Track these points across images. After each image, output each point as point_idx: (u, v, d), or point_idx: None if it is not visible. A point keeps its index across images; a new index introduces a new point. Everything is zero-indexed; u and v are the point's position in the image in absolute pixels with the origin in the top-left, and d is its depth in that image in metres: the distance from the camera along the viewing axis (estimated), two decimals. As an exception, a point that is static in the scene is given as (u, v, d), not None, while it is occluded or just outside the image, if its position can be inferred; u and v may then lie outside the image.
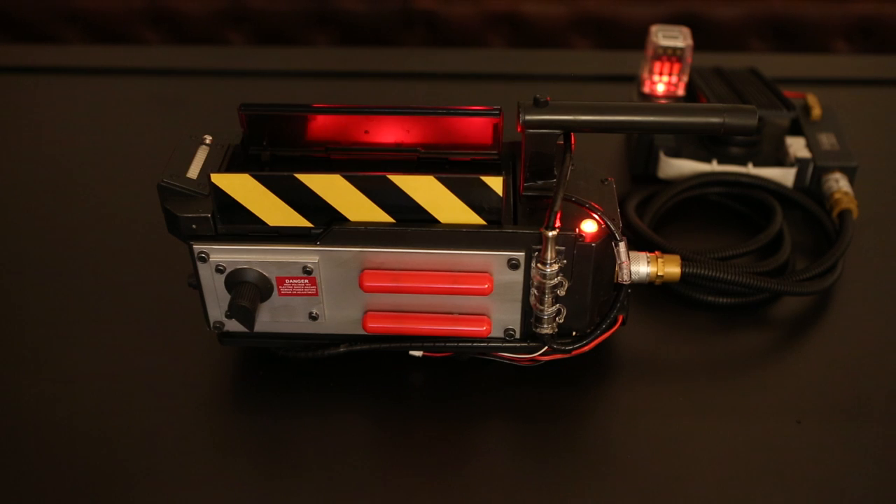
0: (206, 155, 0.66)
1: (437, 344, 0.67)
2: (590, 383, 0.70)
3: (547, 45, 1.64)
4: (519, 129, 0.63)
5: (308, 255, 0.63)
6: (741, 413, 0.68)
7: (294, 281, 0.64)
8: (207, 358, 0.72)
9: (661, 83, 0.89)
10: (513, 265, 0.63)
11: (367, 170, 0.61)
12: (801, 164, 0.86)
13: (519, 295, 0.65)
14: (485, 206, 0.62)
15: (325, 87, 1.10)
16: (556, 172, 0.65)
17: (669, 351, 0.73)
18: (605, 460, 0.65)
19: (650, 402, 0.69)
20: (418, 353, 0.70)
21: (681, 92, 0.90)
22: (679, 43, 0.87)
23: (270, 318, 0.66)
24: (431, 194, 0.61)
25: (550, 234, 0.60)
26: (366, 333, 0.67)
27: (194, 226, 0.63)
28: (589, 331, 0.67)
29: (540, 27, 1.63)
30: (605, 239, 0.63)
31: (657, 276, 0.69)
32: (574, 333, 0.67)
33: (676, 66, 0.88)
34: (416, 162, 0.67)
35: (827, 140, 0.88)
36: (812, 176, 0.87)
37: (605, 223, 0.63)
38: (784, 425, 0.67)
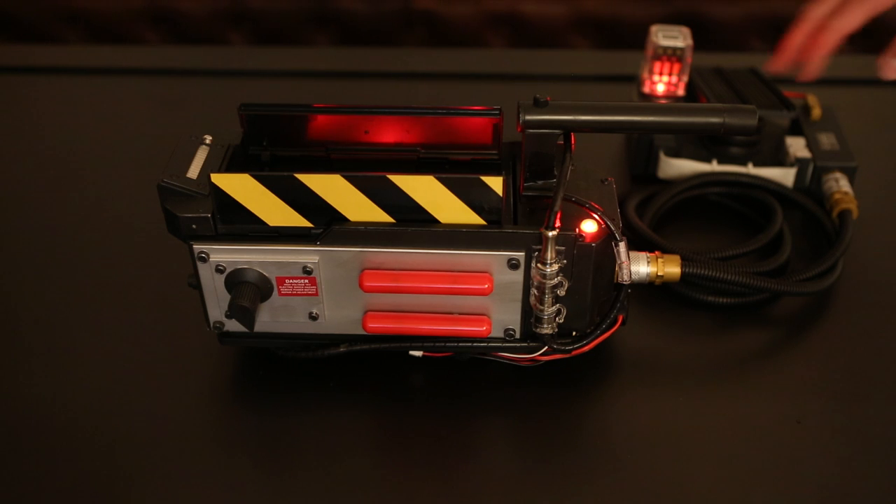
0: (206, 155, 0.66)
1: (437, 344, 0.67)
2: (590, 383, 0.70)
3: (547, 45, 1.64)
4: (519, 129, 0.63)
5: (308, 255, 0.63)
6: (741, 413, 0.68)
7: (294, 281, 0.64)
8: (207, 358, 0.72)
9: (661, 83, 0.89)
10: (513, 265, 0.63)
11: (367, 170, 0.61)
12: (801, 164, 0.86)
13: (519, 295, 0.65)
14: (485, 206, 0.62)
15: (325, 87, 1.10)
16: (556, 172, 0.65)
17: (669, 351, 0.73)
18: (605, 460, 0.65)
19: (650, 402, 0.69)
20: (418, 353, 0.70)
21: (681, 92, 0.90)
22: (679, 43, 0.87)
23: (270, 318, 0.66)
24: (431, 194, 0.61)
25: (550, 234, 0.60)
26: (366, 333, 0.67)
27: (194, 226, 0.63)
28: (589, 331, 0.67)
29: (540, 27, 1.63)
30: (605, 239, 0.63)
31: (657, 276, 0.69)
32: (574, 333, 0.67)
33: (676, 67, 0.88)
34: (416, 162, 0.67)
35: (827, 140, 0.88)
36: (812, 176, 0.87)
37: (605, 223, 0.63)
38: (784, 425, 0.67)
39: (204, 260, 0.63)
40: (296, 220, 0.62)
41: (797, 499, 0.62)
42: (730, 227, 0.86)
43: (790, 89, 0.93)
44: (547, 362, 0.70)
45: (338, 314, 0.66)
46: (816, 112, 0.91)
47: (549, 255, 0.61)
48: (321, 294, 0.65)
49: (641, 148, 0.89)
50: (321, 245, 0.63)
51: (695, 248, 0.78)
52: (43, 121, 1.04)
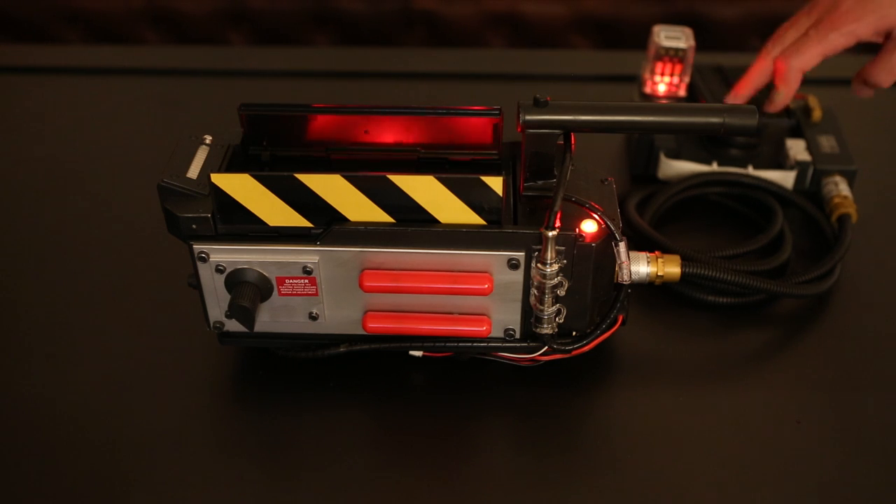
0: (206, 155, 0.66)
1: (437, 344, 0.67)
2: (590, 383, 0.70)
3: (547, 45, 1.64)
4: (519, 129, 0.63)
5: (308, 255, 0.63)
6: (741, 413, 0.68)
7: (294, 281, 0.64)
8: (207, 358, 0.72)
9: (662, 83, 0.89)
10: (513, 265, 0.63)
11: (367, 170, 0.61)
12: (800, 167, 0.86)
13: (519, 295, 0.65)
14: (485, 206, 0.62)
15: (325, 87, 1.10)
16: (556, 172, 0.65)
17: (669, 351, 0.73)
18: (605, 460, 0.65)
19: (650, 401, 0.69)
20: (418, 353, 0.70)
21: (682, 92, 0.90)
22: (681, 44, 0.87)
23: (270, 318, 0.66)
24: (431, 194, 0.61)
25: (550, 234, 0.60)
26: (366, 333, 0.67)
27: (194, 226, 0.63)
28: (589, 331, 0.67)
29: (540, 27, 1.63)
30: (605, 239, 0.63)
31: (657, 275, 0.69)
32: (574, 333, 0.67)
33: (678, 67, 0.88)
34: (416, 162, 0.67)
35: (827, 142, 0.88)
36: (812, 179, 0.86)
37: (605, 223, 0.63)
38: (784, 425, 0.67)
39: (204, 260, 0.63)
40: (296, 220, 0.62)
41: (797, 499, 0.62)
42: (730, 227, 0.86)
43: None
44: (547, 362, 0.70)
45: (338, 314, 0.66)
46: (817, 113, 0.91)
47: (549, 255, 0.61)
48: (321, 294, 0.65)
49: (642, 148, 0.89)
50: (321, 245, 0.63)
51: (695, 247, 0.78)
52: (43, 121, 1.04)
